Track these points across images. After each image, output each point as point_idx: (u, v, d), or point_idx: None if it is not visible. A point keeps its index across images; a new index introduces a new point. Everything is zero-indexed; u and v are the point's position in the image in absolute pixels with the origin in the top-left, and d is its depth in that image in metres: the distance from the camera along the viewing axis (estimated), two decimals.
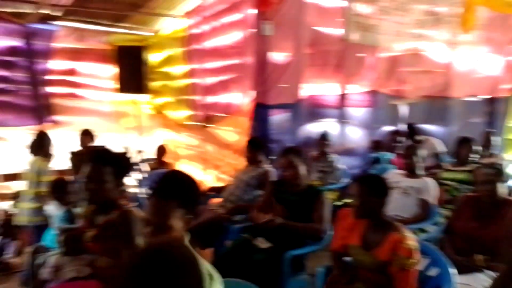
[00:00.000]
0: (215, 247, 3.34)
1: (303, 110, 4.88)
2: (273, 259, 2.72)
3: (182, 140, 6.73)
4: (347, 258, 2.35)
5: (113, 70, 7.05)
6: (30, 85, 6.57)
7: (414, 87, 5.79)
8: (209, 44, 5.61)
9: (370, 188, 2.19)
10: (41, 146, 3.90)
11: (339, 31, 5.07)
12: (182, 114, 6.70)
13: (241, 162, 4.24)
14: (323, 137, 4.87)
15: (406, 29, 5.47)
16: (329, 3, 5.08)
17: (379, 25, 5.24)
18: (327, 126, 5.13)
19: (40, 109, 6.65)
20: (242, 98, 4.81)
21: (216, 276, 1.63)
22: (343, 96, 5.29)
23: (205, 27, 5.61)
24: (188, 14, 6.02)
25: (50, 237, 3.16)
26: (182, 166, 6.23)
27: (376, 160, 5.23)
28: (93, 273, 2.19)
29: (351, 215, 2.29)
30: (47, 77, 6.72)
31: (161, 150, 5.79)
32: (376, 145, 5.49)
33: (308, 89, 4.89)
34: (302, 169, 2.98)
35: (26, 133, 6.07)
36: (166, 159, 5.80)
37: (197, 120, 6.09)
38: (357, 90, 5.43)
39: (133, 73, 6.71)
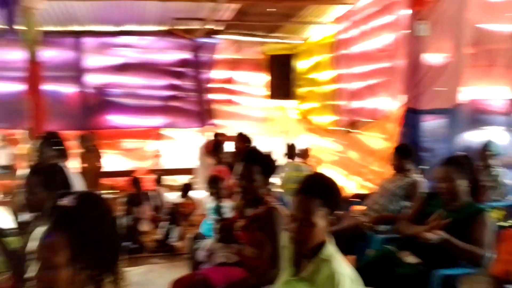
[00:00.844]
0: (356, 255, 3.27)
1: (462, 116, 4.39)
2: (419, 276, 2.52)
3: (325, 145, 6.78)
4: (510, 286, 2.04)
5: (264, 78, 7.53)
6: (196, 92, 7.54)
7: None
8: (357, 48, 5.54)
9: None
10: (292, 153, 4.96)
11: (510, 28, 4.43)
12: (326, 119, 6.75)
13: (387, 170, 4.06)
14: (487, 147, 4.29)
15: None
16: None
17: None
18: (492, 134, 4.51)
19: (203, 113, 7.55)
20: (391, 103, 4.60)
21: (360, 283, 1.62)
22: None
23: (354, 32, 5.56)
24: (338, 20, 6.05)
25: (207, 226, 3.56)
26: (324, 170, 6.26)
27: None
28: (240, 260, 2.40)
29: None
30: (209, 85, 7.60)
31: (305, 154, 5.93)
32: None
33: (468, 93, 4.39)
34: (462, 184, 2.63)
35: (191, 134, 7.00)
36: (309, 162, 5.92)
37: (342, 125, 6.05)
38: None
39: (282, 80, 7.06)
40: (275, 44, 7.63)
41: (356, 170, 5.55)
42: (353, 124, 5.68)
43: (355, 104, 5.68)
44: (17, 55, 5.26)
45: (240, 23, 6.79)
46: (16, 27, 4.10)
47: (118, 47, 7.23)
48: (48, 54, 5.33)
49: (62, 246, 1.11)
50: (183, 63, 7.50)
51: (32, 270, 1.12)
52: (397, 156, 3.68)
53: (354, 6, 5.48)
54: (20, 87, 5.50)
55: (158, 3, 5.64)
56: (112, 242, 1.23)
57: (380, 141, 4.83)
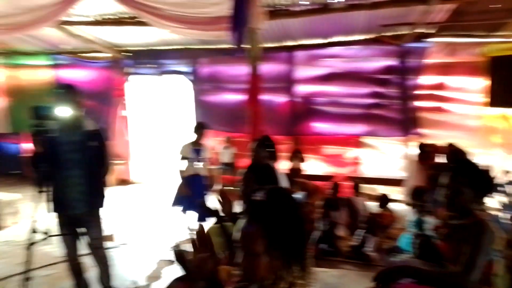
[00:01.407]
0: None
1: None
2: None
3: None
4: None
5: (483, 82, 6.62)
6: (400, 100, 7.23)
7: None
8: None
9: None
10: None
11: None
12: None
13: None
14: None
15: None
16: None
17: None
18: None
19: (407, 122, 7.17)
20: None
21: None
22: None
23: None
24: None
25: (405, 240, 3.40)
26: None
27: None
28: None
29: None
30: (416, 92, 7.17)
31: None
32: None
33: None
34: None
35: (393, 143, 6.72)
36: None
37: None
38: None
39: (507, 85, 6.05)
40: (498, 44, 6.59)
41: None
42: None
43: None
44: (241, 69, 6.19)
45: (455, 24, 6.17)
46: (243, 46, 4.80)
47: (325, 58, 7.61)
48: (265, 68, 6.04)
49: (258, 236, 1.28)
50: (388, 70, 7.31)
51: (238, 256, 1.33)
52: None
53: None
54: (242, 97, 6.44)
55: (366, 12, 5.67)
56: (299, 235, 1.34)
57: None
